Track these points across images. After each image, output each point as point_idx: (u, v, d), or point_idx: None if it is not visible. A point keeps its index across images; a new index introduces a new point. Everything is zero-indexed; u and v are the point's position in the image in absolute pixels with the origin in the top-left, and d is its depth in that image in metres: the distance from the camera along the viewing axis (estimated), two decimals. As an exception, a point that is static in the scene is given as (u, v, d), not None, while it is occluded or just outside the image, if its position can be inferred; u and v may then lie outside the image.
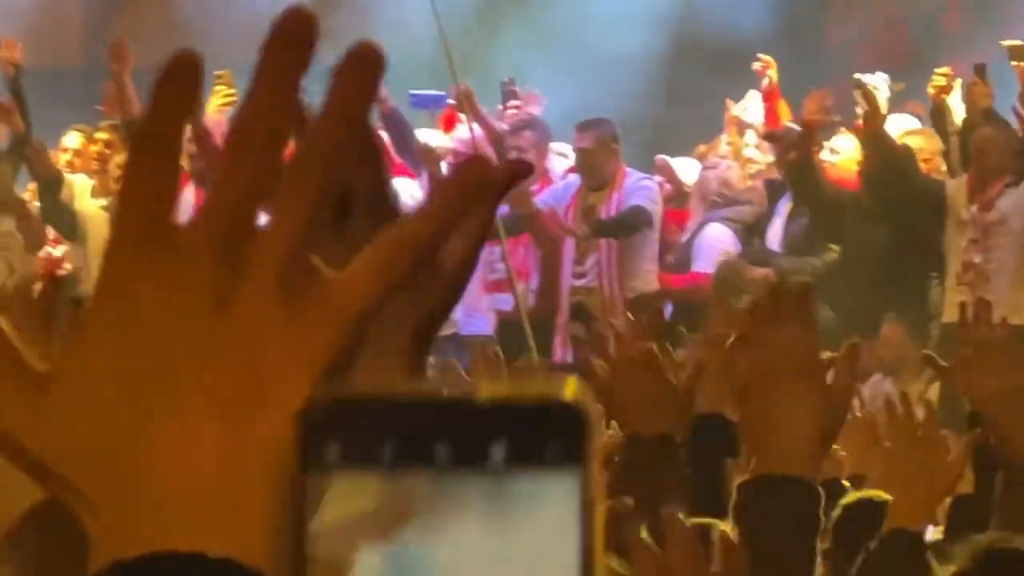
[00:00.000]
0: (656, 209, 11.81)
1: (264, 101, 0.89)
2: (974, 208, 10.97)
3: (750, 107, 12.51)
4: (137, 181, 0.89)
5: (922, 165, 11.24)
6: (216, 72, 12.48)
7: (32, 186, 12.59)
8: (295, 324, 0.89)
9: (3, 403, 0.91)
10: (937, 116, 11.88)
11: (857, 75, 12.27)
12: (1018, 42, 11.90)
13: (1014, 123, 11.06)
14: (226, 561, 0.89)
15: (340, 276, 0.91)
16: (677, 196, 12.40)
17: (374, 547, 0.84)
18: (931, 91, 12.09)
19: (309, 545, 0.89)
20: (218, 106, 12.46)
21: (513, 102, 12.77)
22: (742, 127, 12.43)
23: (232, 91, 12.50)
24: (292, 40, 0.89)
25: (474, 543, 0.82)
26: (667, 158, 12.69)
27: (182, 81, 0.88)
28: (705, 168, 12.28)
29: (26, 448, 0.91)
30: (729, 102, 12.61)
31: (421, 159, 11.93)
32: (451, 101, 12.56)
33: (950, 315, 10.11)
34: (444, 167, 12.10)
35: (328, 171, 0.89)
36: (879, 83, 12.28)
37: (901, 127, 11.90)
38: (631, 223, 11.71)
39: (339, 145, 0.90)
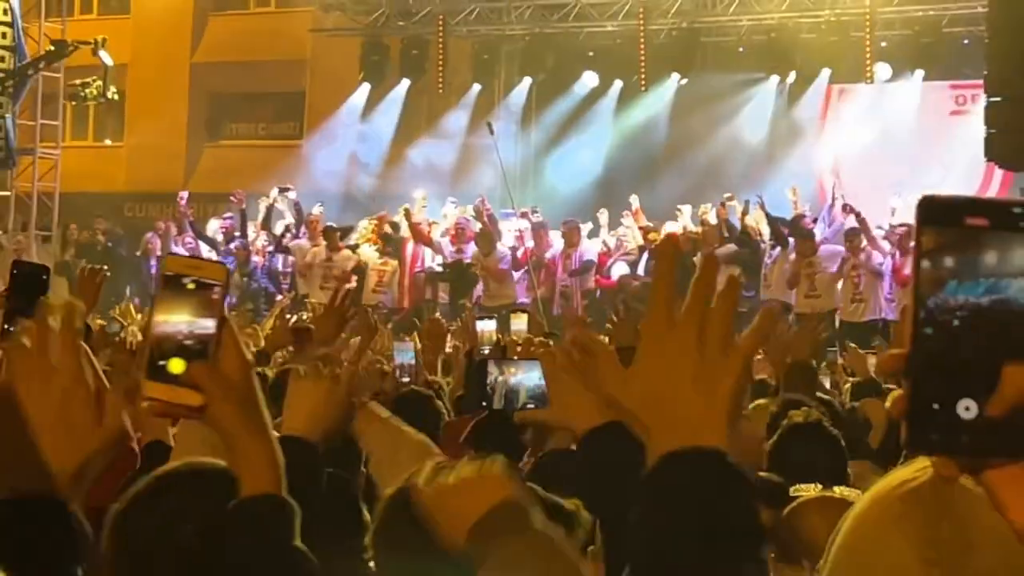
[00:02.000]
0: (596, 256, 15.90)
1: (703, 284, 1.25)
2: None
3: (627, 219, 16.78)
4: (669, 290, 1.21)
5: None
6: (419, 194, 17.04)
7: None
8: (728, 359, 1.27)
9: (612, 384, 1.28)
10: (704, 225, 15.91)
11: (678, 205, 16.93)
12: (727, 194, 16.05)
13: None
14: (718, 449, 1.21)
15: (739, 340, 1.24)
16: (607, 253, 16.49)
17: None
18: (698, 215, 16.45)
19: None
20: (418, 207, 16.90)
21: (536, 215, 16.85)
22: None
23: (424, 203, 16.89)
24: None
25: None
26: (605, 239, 16.68)
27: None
28: (618, 241, 16.54)
29: (620, 402, 1.29)
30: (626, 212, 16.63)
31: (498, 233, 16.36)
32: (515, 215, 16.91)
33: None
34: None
35: (732, 305, 1.29)
36: (685, 208, 16.80)
37: (674, 228, 15.99)
38: (589, 267, 16.02)
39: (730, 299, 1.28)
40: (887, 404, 4.16)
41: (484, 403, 2.58)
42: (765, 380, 5.97)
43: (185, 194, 18.59)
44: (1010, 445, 0.96)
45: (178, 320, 1.64)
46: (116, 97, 19.78)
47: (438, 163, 20.08)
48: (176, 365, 1.63)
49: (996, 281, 0.97)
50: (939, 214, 0.99)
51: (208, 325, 1.65)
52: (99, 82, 18.96)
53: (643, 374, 1.30)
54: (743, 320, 1.37)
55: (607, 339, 7.01)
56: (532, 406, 2.51)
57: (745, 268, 15.07)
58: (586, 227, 17.06)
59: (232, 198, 18.05)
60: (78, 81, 19.22)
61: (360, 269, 16.75)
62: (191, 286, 1.66)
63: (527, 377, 2.57)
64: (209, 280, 1.67)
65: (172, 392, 1.63)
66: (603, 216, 17.56)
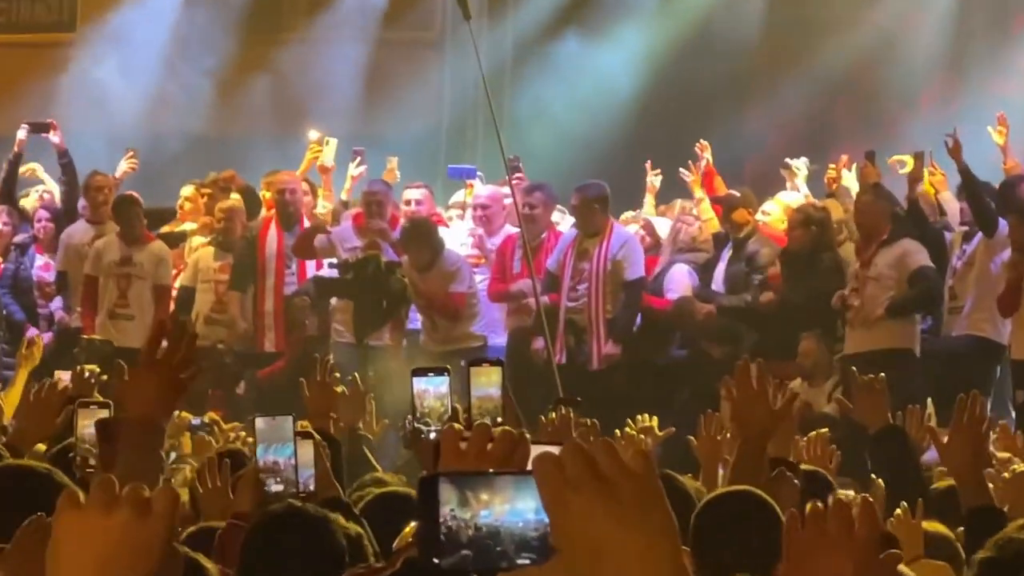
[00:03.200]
0: (642, 260, 15.93)
1: None
2: (857, 264, 15.03)
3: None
4: None
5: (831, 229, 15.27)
6: (314, 136, 17.55)
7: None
8: None
9: None
10: (837, 196, 16.41)
11: (786, 159, 17.27)
12: (903, 157, 16.16)
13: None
14: None
15: None
16: (654, 246, 16.80)
17: None
18: (826, 179, 17.00)
19: None
20: (308, 160, 17.45)
21: (517, 174, 16.96)
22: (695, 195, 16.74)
23: (320, 151, 17.45)
24: None
25: None
26: (650, 218, 17.20)
27: None
28: (676, 223, 16.62)
29: None
30: (683, 175, 17.07)
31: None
32: (480, 173, 17.37)
33: (848, 347, 14.68)
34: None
35: None
36: (801, 165, 17.26)
37: (787, 199, 16.56)
38: (637, 291, 16.01)
39: None
40: None
41: (434, 559, 2.62)
42: (954, 488, 6.98)
43: None
44: None
45: None
46: None
47: (332, 81, 20.77)
48: None
49: None
50: None
51: None
52: None
53: None
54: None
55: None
56: (527, 561, 2.60)
57: (924, 286, 15.04)
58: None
59: (-52, 146, 18.25)
60: None
61: (187, 289, 17.17)
62: None
63: (512, 512, 2.64)
64: None
65: None
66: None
